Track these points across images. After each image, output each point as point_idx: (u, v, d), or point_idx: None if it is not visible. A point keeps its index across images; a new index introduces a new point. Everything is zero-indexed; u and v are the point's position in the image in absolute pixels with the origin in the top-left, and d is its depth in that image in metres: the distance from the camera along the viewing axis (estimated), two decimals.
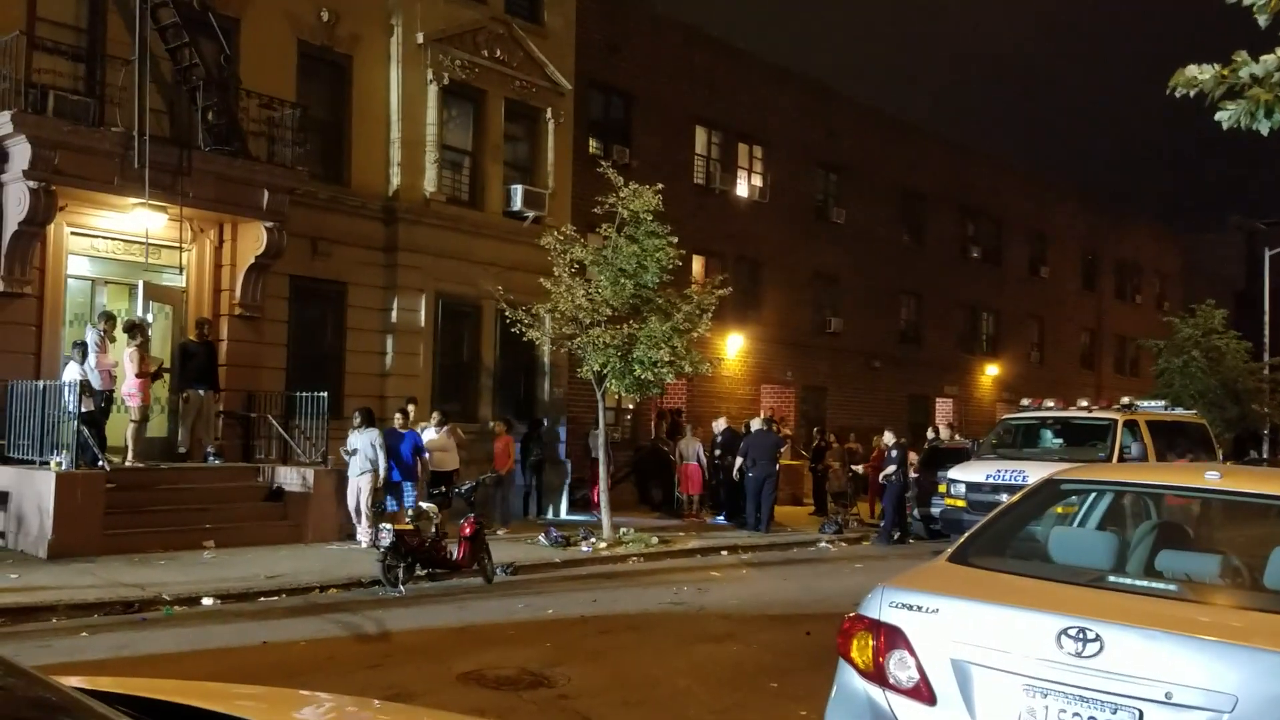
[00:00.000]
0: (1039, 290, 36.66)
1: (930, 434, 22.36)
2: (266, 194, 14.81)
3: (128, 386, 13.49)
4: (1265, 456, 29.13)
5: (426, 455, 14.60)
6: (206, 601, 10.20)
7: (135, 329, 13.69)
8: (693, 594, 11.81)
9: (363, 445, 13.88)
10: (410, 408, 15.08)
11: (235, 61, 15.16)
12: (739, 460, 18.95)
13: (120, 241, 14.60)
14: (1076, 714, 3.37)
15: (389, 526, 11.19)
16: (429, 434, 15.11)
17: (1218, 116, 6.76)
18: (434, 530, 11.72)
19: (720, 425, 20.48)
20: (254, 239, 15.09)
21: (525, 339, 16.18)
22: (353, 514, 13.99)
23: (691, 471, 19.81)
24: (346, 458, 14.09)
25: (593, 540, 15.13)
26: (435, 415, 15.71)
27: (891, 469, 18.30)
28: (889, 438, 19.00)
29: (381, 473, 13.89)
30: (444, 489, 14.24)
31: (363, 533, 13.66)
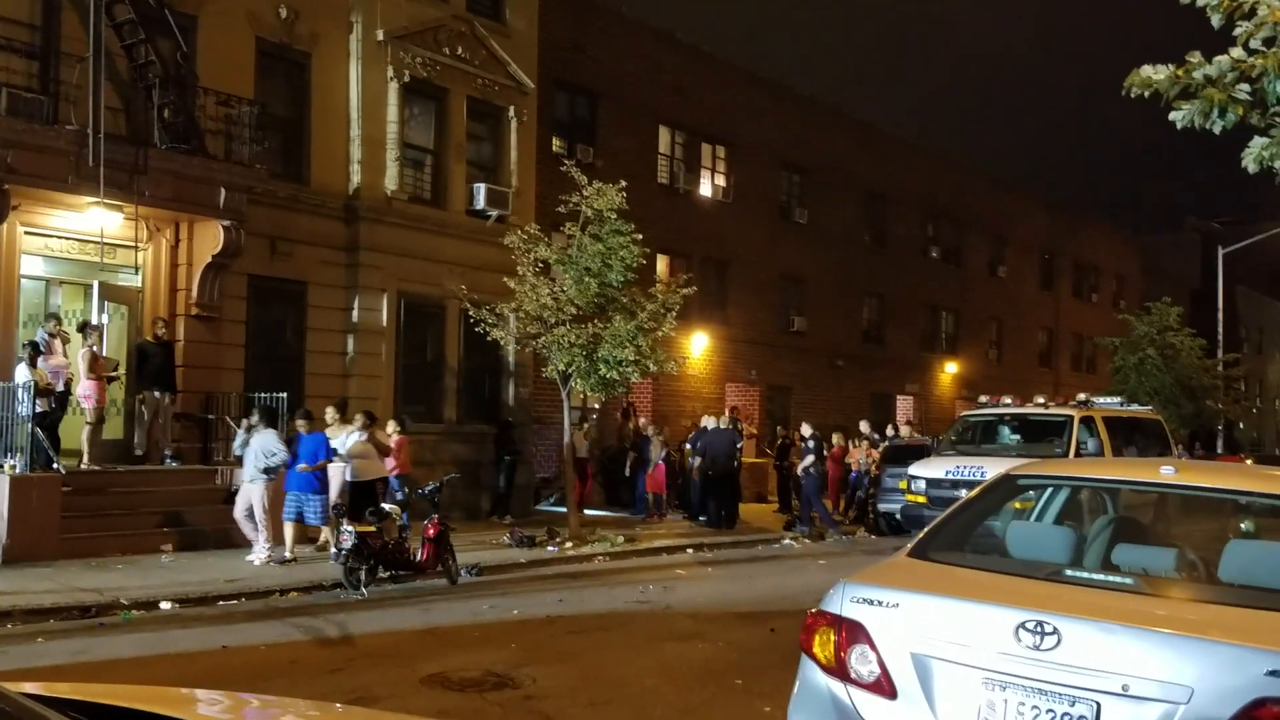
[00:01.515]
0: (998, 290, 37.12)
1: (864, 428, 22.31)
2: (224, 192, 14.63)
3: (82, 388, 13.28)
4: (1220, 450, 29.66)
5: (328, 460, 12.70)
6: (165, 606, 10.07)
7: (88, 330, 13.48)
8: (659, 593, 11.83)
9: (260, 447, 12.36)
10: (329, 410, 13.88)
11: (193, 59, 14.94)
12: (696, 459, 19.06)
13: (75, 241, 14.37)
14: (1035, 707, 3.41)
15: (350, 528, 11.09)
16: (352, 439, 13.47)
17: (1172, 116, 6.88)
18: (398, 531, 11.65)
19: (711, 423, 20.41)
20: (211, 238, 14.90)
21: (490, 339, 16.13)
22: (241, 522, 12.42)
23: (658, 472, 19.79)
24: (237, 454, 12.85)
25: (559, 540, 15.10)
26: (359, 418, 13.88)
27: (809, 460, 18.58)
28: (805, 430, 19.27)
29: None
30: (402, 495, 13.76)
31: (259, 549, 12.24)
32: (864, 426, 22.46)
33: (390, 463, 14.22)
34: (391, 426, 15.04)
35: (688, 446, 20.48)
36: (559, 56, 21.41)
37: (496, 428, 18.77)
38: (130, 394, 14.81)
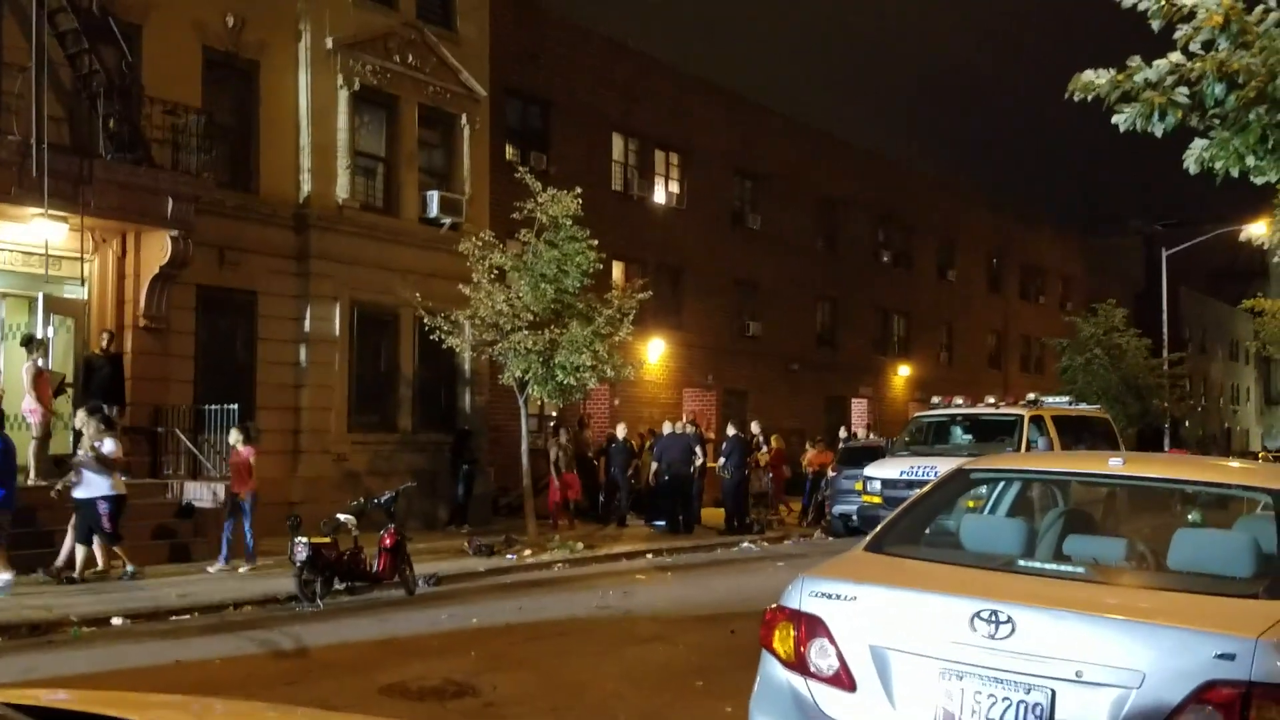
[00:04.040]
0: (948, 293, 37.63)
1: (754, 428, 22.16)
2: (171, 202, 14.40)
3: (27, 403, 13.00)
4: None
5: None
6: (116, 621, 9.89)
7: (32, 343, 13.21)
8: (619, 598, 11.82)
9: None
10: (79, 414, 12.26)
11: (138, 68, 14.72)
12: (654, 464, 19.07)
13: (19, 253, 14.07)
14: (991, 695, 3.45)
15: (305, 540, 10.95)
16: (82, 449, 12.07)
17: (1115, 119, 7.03)
18: (353, 542, 11.54)
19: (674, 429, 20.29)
20: (159, 248, 14.67)
21: (445, 347, 16.03)
22: None
23: (568, 479, 18.65)
24: None
25: (518, 548, 15.03)
26: (91, 423, 12.09)
27: (721, 461, 18.80)
28: (729, 430, 19.47)
29: None
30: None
31: None
32: (754, 427, 22.41)
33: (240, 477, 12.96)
34: (234, 436, 13.27)
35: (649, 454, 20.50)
36: (510, 64, 21.38)
37: (453, 436, 18.65)
38: (77, 408, 14.50)
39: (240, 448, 13.12)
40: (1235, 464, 5.51)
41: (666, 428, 19.71)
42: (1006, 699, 3.42)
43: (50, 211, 13.20)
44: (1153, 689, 3.18)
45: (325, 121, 17.44)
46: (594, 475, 20.41)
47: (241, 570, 12.61)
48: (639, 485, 20.45)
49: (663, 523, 18.77)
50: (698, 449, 19.19)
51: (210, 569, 12.60)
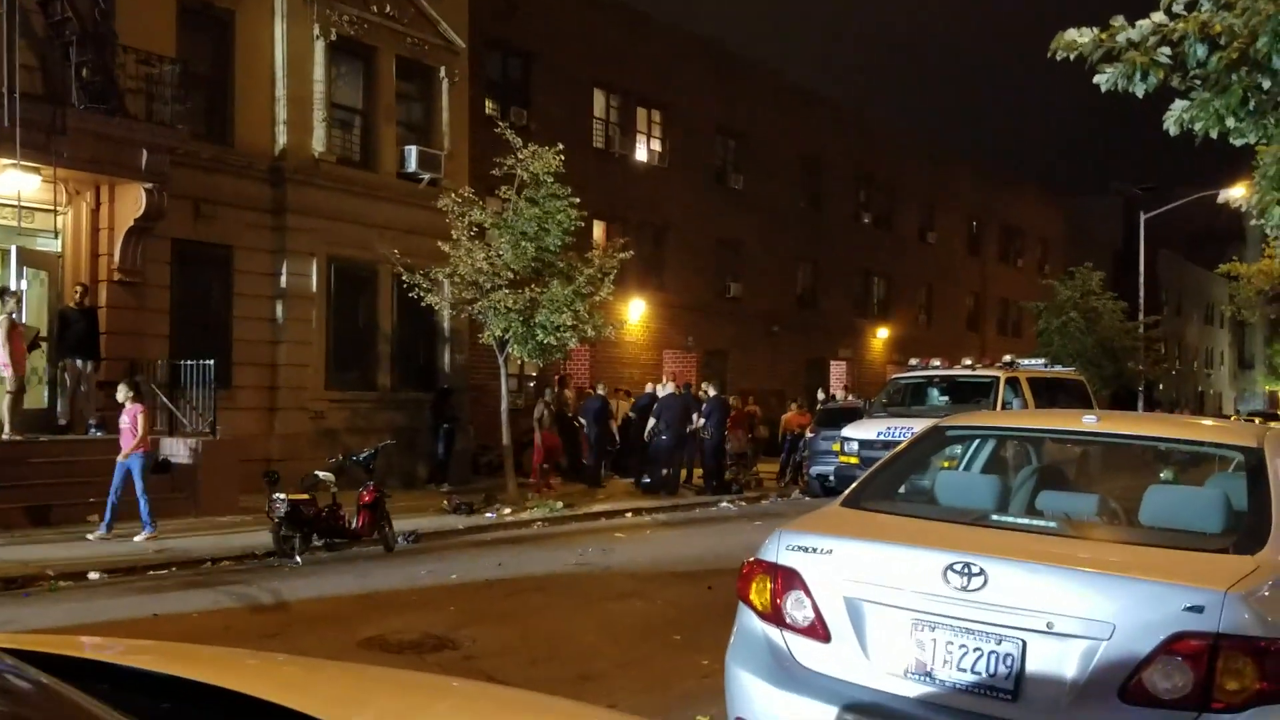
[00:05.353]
0: (927, 255, 37.72)
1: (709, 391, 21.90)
2: (145, 154, 14.20)
3: (0, 356, 12.87)
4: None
5: None
6: (93, 575, 9.87)
7: (6, 296, 13.06)
8: (598, 555, 11.90)
9: None
10: None
11: (111, 16, 14.41)
12: (650, 422, 19.11)
13: None
14: (964, 646, 3.49)
15: (283, 496, 10.94)
16: None
17: (1097, 79, 7.03)
18: (331, 498, 11.54)
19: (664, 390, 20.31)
20: (133, 201, 14.47)
21: (424, 304, 15.94)
22: None
23: (551, 439, 18.21)
24: None
25: (498, 506, 15.08)
26: None
27: (701, 422, 18.75)
28: (710, 390, 19.47)
29: None
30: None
31: None
32: (706, 388, 22.36)
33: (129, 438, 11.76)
34: (122, 393, 12.07)
35: (632, 414, 20.51)
36: (490, 16, 21.09)
37: (433, 395, 18.61)
38: (52, 362, 14.40)
39: (129, 405, 11.89)
40: (1208, 422, 5.59)
41: (668, 388, 19.74)
42: (978, 649, 3.47)
43: (22, 162, 12.97)
44: (1122, 640, 3.22)
45: (301, 72, 17.19)
46: (575, 435, 20.43)
47: (137, 539, 11.43)
48: (615, 446, 20.54)
49: (648, 480, 18.84)
50: (695, 413, 19.17)
51: (90, 536, 11.42)
